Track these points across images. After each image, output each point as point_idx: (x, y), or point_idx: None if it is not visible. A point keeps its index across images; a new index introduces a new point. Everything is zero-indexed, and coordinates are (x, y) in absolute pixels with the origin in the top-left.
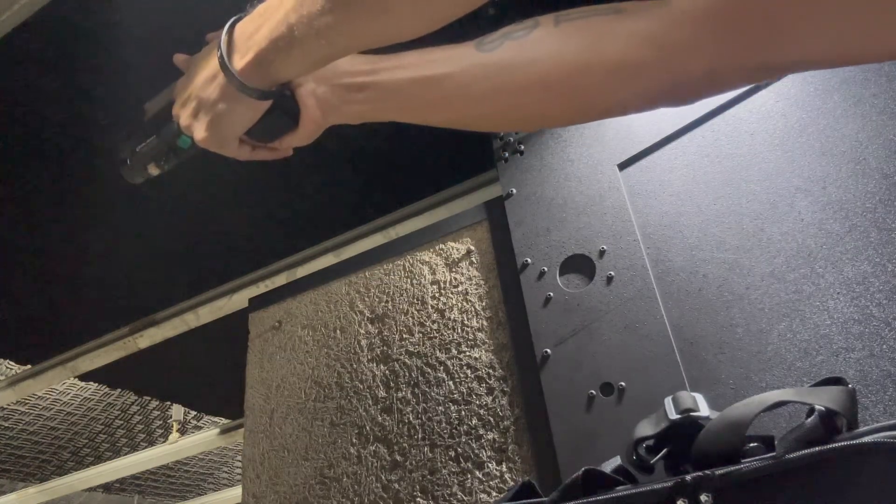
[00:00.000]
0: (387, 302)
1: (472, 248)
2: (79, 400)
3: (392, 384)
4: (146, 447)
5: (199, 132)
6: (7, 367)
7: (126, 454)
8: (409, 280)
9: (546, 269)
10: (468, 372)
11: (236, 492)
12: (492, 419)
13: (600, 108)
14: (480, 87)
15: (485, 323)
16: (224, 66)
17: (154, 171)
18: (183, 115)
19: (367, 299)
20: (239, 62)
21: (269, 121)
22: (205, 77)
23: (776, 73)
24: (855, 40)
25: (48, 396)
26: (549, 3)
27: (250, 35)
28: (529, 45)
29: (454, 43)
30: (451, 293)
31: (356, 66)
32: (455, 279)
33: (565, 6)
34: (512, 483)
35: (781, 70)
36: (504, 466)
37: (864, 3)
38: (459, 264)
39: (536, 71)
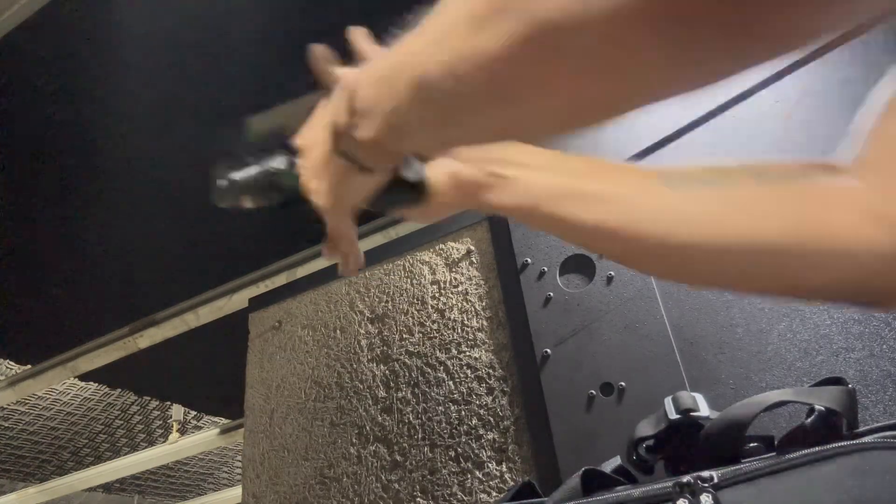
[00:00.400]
0: (387, 302)
1: (472, 248)
2: (79, 400)
3: (392, 384)
4: (146, 447)
5: (320, 197)
6: (7, 367)
7: (126, 454)
8: (409, 280)
9: (546, 268)
10: (468, 372)
11: (236, 492)
12: (492, 419)
13: (806, 289)
14: (657, 229)
15: (485, 323)
16: (338, 137)
17: (248, 204)
18: (306, 169)
19: (367, 299)
20: (361, 132)
21: (392, 193)
22: (328, 136)
23: None
24: None
25: (48, 396)
26: None
27: (366, 103)
28: (731, 201)
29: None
30: (451, 293)
31: (512, 154)
32: (455, 279)
33: None
34: (512, 483)
35: None
36: (504, 466)
37: None
38: (459, 264)
39: (741, 232)
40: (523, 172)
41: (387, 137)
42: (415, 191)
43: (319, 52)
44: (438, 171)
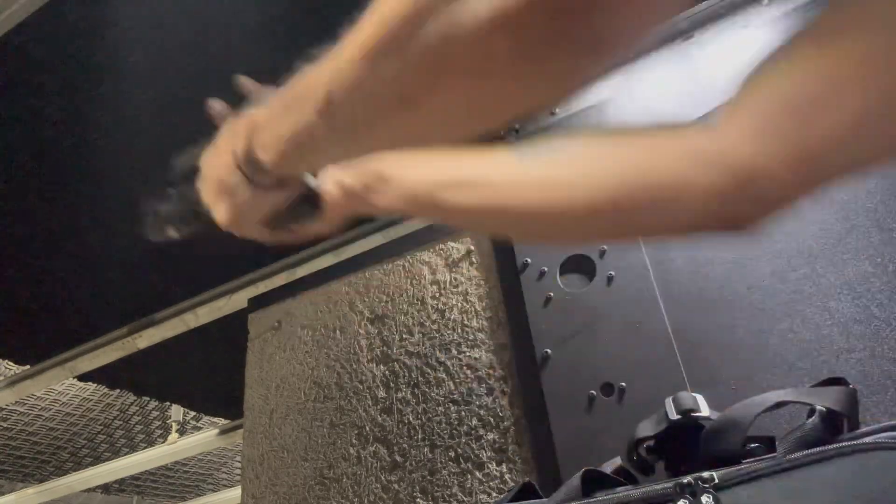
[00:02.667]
0: (387, 302)
1: (472, 248)
2: (78, 400)
3: (392, 384)
4: (145, 448)
5: (221, 216)
6: (6, 368)
7: (125, 455)
8: (409, 280)
9: (546, 268)
10: (468, 372)
11: (235, 492)
12: (492, 419)
13: (652, 233)
14: (517, 200)
15: (485, 323)
16: (242, 159)
17: (173, 234)
18: (206, 194)
19: (366, 299)
20: (258, 155)
21: (291, 208)
22: (228, 160)
23: (836, 183)
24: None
25: (47, 397)
26: None
27: (269, 129)
28: (575, 163)
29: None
30: (451, 293)
31: (391, 158)
32: (455, 279)
33: None
34: (512, 483)
35: (842, 180)
36: (504, 467)
37: None
38: (459, 264)
39: (582, 191)
40: (401, 172)
41: (289, 152)
42: (311, 205)
43: (215, 105)
44: (329, 185)
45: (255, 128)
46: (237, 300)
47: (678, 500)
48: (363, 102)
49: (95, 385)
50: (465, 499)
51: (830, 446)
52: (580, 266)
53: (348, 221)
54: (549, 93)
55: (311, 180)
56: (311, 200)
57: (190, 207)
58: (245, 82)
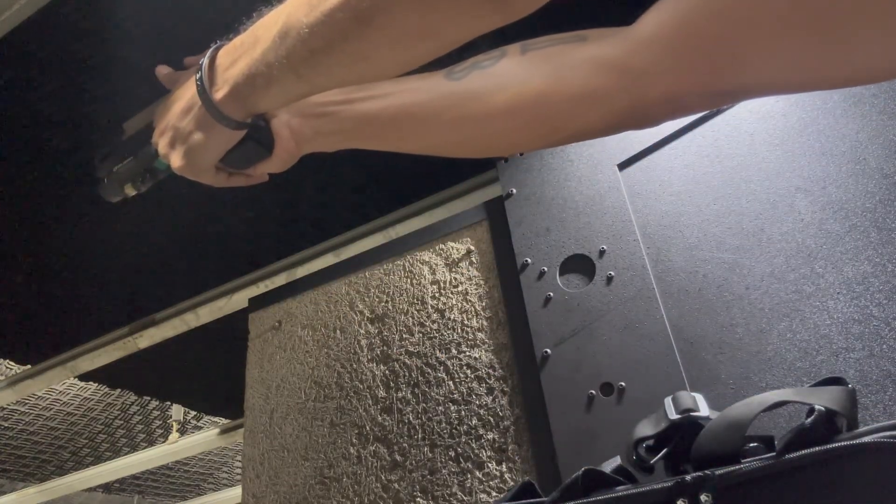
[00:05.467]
0: (387, 302)
1: (472, 248)
2: (79, 400)
3: (392, 384)
4: (146, 447)
5: (176, 161)
6: (7, 367)
7: (126, 454)
8: (409, 280)
9: (546, 269)
10: (468, 372)
11: (236, 492)
12: (492, 419)
13: (566, 133)
14: (450, 115)
15: (485, 323)
16: (203, 96)
17: (130, 191)
18: (161, 144)
19: (367, 299)
20: (216, 94)
21: (244, 150)
22: (182, 107)
23: (734, 98)
24: (809, 69)
25: (48, 396)
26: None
27: (227, 68)
28: (497, 74)
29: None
30: (451, 293)
31: (329, 96)
32: (455, 279)
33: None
34: (512, 483)
35: (739, 95)
36: (504, 466)
37: (815, 33)
38: (459, 264)
39: (503, 99)
40: (343, 108)
41: (243, 90)
42: (262, 145)
43: (161, 71)
44: (277, 126)
45: (212, 67)
46: (237, 300)
47: (677, 500)
48: (320, 23)
49: (96, 385)
50: (465, 498)
51: (829, 446)
52: (580, 266)
53: (297, 162)
54: (498, 19)
55: (261, 122)
56: (261, 143)
57: (145, 163)
58: (161, 69)
